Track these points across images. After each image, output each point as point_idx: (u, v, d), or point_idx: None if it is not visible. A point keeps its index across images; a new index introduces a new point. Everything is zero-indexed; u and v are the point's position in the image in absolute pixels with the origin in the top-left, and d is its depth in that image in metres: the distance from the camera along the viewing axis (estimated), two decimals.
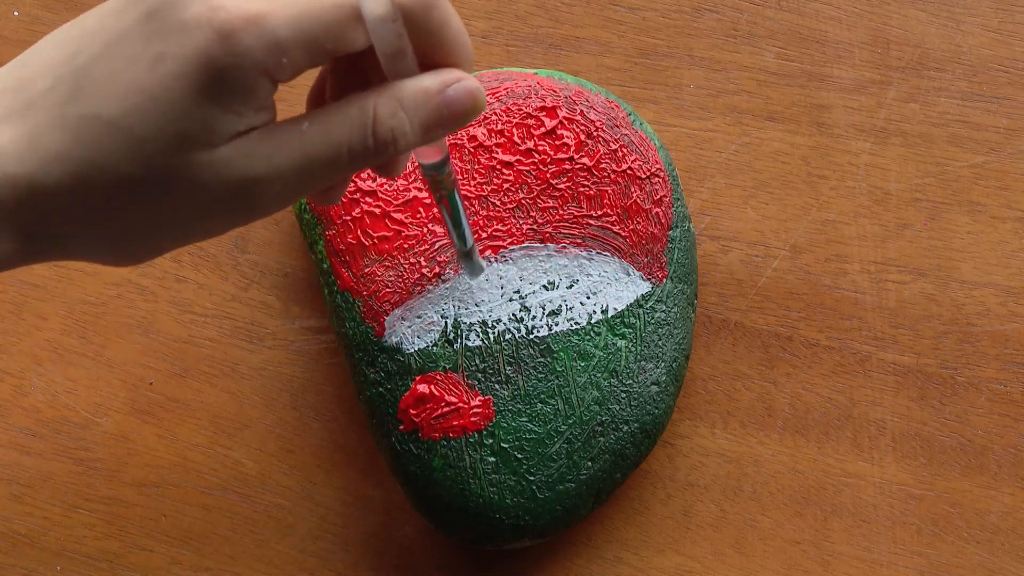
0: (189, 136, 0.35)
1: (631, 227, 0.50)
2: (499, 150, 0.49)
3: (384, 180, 0.49)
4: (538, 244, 0.49)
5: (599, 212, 0.49)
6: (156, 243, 0.38)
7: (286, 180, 0.36)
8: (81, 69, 0.35)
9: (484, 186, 0.49)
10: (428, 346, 0.49)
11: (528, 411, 0.49)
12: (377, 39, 0.35)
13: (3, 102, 0.36)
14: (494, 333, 0.49)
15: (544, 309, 0.49)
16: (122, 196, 0.35)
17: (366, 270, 0.49)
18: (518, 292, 0.49)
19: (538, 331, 0.49)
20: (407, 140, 0.37)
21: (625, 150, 0.50)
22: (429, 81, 0.37)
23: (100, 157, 0.35)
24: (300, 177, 0.36)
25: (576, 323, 0.49)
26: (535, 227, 0.49)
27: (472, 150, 0.50)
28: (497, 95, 0.50)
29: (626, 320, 0.49)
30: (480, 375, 0.49)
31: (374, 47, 0.36)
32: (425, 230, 0.49)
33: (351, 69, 0.39)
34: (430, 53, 0.37)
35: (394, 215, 0.49)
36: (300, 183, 0.37)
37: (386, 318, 0.49)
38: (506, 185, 0.49)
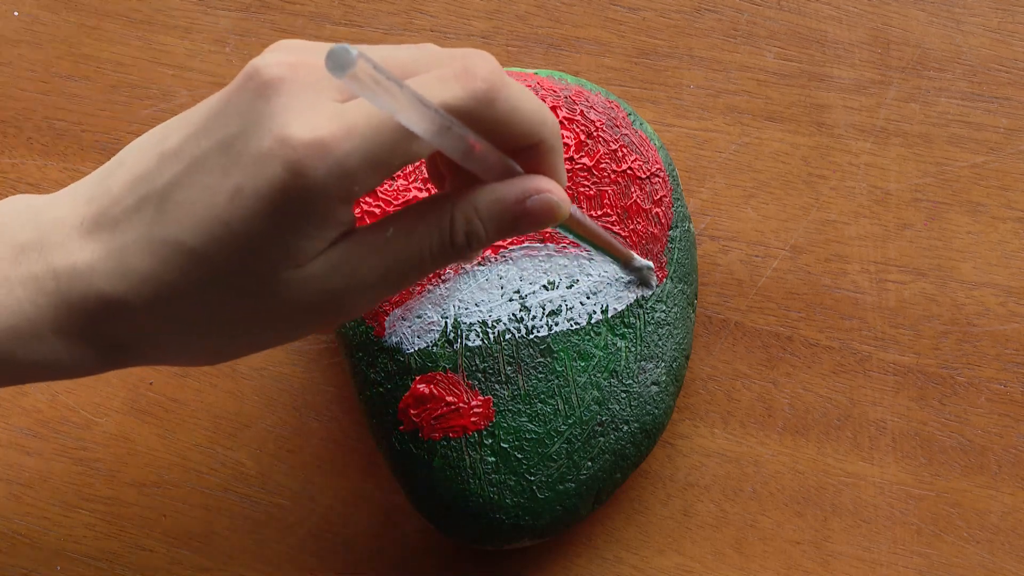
0: (271, 262, 0.36)
1: (631, 227, 0.50)
2: None
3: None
4: (538, 244, 0.49)
5: (599, 212, 0.49)
6: (243, 349, 0.39)
7: (374, 287, 0.37)
8: (163, 192, 0.36)
9: None
10: (428, 346, 0.49)
11: (528, 411, 0.49)
12: (440, 148, 0.35)
13: (90, 214, 0.37)
14: (494, 333, 0.49)
15: (544, 309, 0.49)
16: (209, 315, 0.37)
17: None
18: (518, 292, 0.49)
19: (538, 331, 0.49)
20: (482, 243, 0.38)
21: (625, 150, 0.50)
22: (508, 190, 0.38)
23: (187, 281, 0.36)
24: (387, 283, 0.38)
25: (576, 323, 0.49)
26: None
27: None
28: None
29: (626, 320, 0.50)
30: (480, 375, 0.49)
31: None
32: None
33: None
34: (509, 139, 0.37)
35: None
36: (388, 288, 0.38)
37: (386, 318, 0.49)
38: None
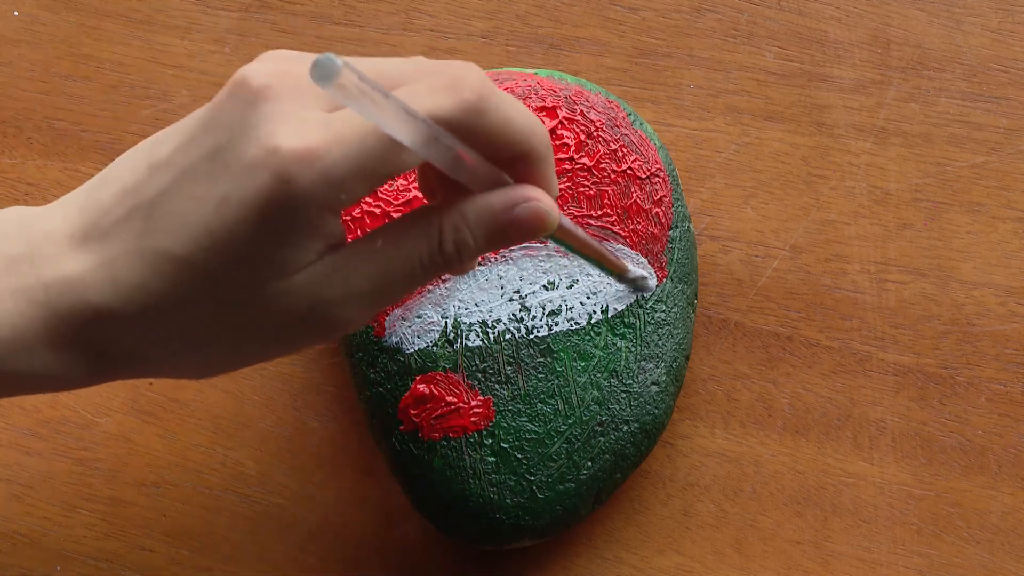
0: (260, 273, 0.36)
1: (631, 227, 0.50)
2: None
3: None
4: (538, 244, 0.49)
5: (599, 212, 0.49)
6: (233, 362, 0.39)
7: (364, 300, 0.37)
8: (152, 203, 0.36)
9: None
10: (428, 346, 0.49)
11: (528, 411, 0.49)
12: (428, 159, 0.35)
13: (80, 226, 0.37)
14: (494, 333, 0.49)
15: (544, 309, 0.49)
16: (199, 326, 0.37)
17: None
18: (518, 292, 0.49)
19: (538, 331, 0.49)
20: (471, 253, 0.38)
21: (625, 150, 0.50)
22: (496, 199, 0.38)
23: (177, 291, 0.36)
24: (377, 295, 0.37)
25: (576, 323, 0.49)
26: None
27: None
28: None
29: (626, 320, 0.50)
30: (480, 375, 0.49)
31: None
32: None
33: None
34: (499, 149, 0.38)
35: (394, 215, 0.49)
36: (378, 300, 0.38)
37: (386, 318, 0.49)
38: None
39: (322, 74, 0.30)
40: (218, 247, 0.35)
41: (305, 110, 0.35)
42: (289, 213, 0.35)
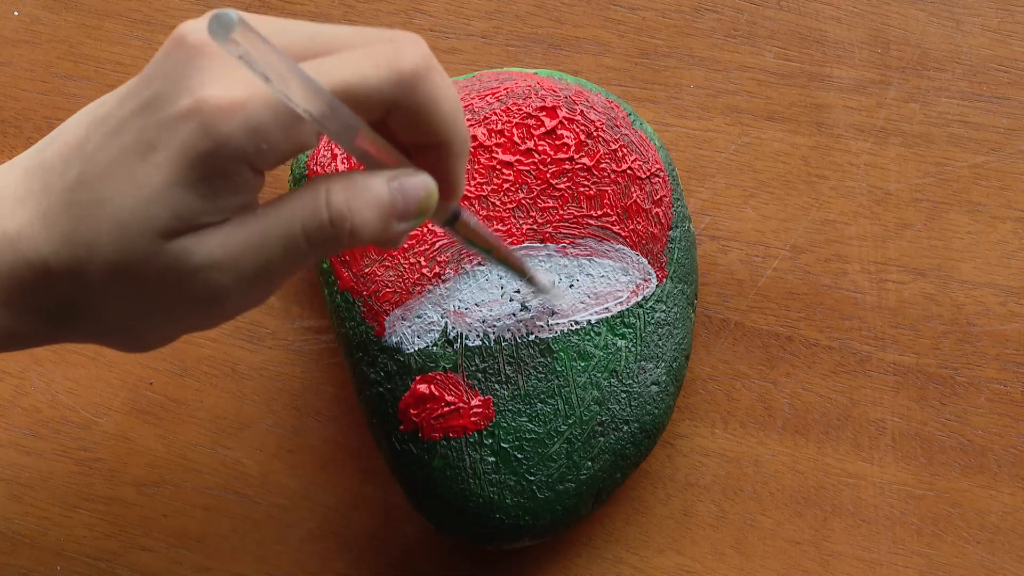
0: (162, 222, 0.36)
1: (631, 227, 0.50)
2: (499, 150, 0.49)
3: None
4: (538, 244, 0.49)
5: (599, 212, 0.49)
6: (153, 330, 0.39)
7: (241, 268, 0.37)
8: (88, 156, 0.37)
9: (484, 186, 0.49)
10: (428, 346, 0.49)
11: (528, 411, 0.49)
12: (325, 132, 0.35)
13: (24, 182, 0.38)
14: (494, 333, 0.49)
15: (544, 309, 0.49)
16: (110, 278, 0.37)
17: (366, 270, 0.49)
18: (518, 292, 0.49)
19: (538, 331, 0.49)
20: (363, 218, 0.37)
21: (625, 150, 0.50)
22: (384, 172, 0.37)
23: (96, 240, 0.36)
24: (256, 263, 0.37)
25: (576, 323, 0.49)
26: (535, 227, 0.49)
27: (472, 150, 0.49)
28: (497, 95, 0.50)
29: (626, 320, 0.50)
30: (480, 375, 0.49)
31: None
32: (425, 230, 0.49)
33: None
34: (417, 131, 0.37)
35: None
36: (257, 271, 0.37)
37: (386, 318, 0.49)
38: (506, 185, 0.49)
39: (218, 28, 0.30)
40: (134, 192, 0.35)
41: (237, 69, 0.35)
42: (208, 159, 0.35)
